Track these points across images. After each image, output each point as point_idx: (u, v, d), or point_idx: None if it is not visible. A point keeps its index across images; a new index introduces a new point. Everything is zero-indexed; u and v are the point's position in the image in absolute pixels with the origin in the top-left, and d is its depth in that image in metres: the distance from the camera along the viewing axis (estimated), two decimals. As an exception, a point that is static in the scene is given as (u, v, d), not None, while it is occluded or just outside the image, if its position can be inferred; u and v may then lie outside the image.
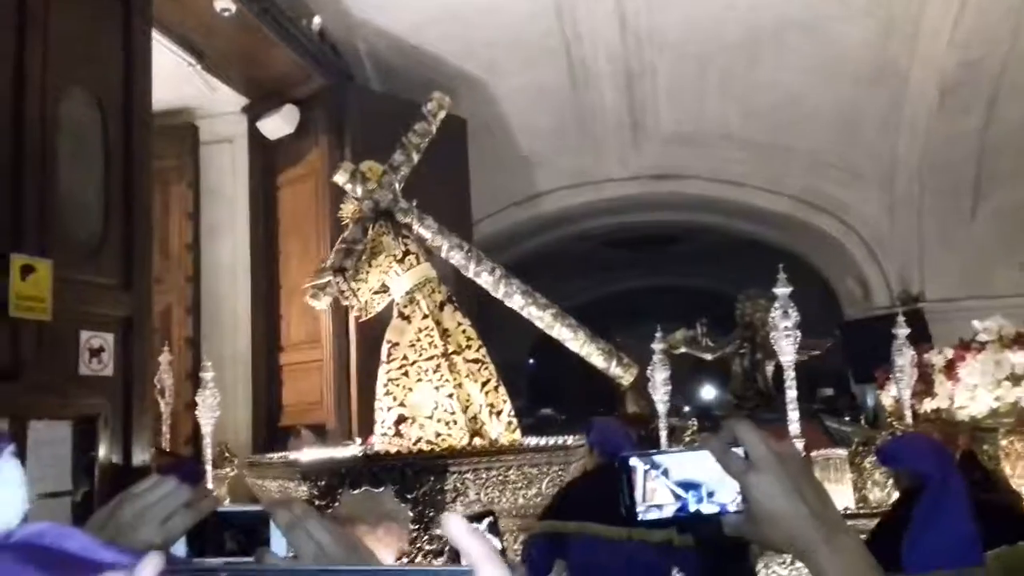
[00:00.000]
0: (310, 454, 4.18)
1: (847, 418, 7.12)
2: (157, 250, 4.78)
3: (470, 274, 4.15)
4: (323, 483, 3.53)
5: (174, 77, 5.45)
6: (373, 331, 4.77)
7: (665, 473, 0.88)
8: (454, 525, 0.58)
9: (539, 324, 4.15)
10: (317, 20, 5.95)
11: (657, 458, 0.89)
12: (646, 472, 0.88)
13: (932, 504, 1.97)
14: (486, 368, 4.12)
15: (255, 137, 6.23)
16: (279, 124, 6.06)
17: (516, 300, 4.12)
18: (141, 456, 3.62)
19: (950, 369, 3.80)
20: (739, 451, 0.90)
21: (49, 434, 3.17)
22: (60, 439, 3.22)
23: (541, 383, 13.29)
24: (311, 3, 6.03)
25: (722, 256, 11.17)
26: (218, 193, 6.33)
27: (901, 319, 3.51)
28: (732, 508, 0.89)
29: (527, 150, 7.87)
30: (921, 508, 1.99)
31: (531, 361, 13.29)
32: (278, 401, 6.19)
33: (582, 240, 10.15)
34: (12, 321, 3.10)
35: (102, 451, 3.40)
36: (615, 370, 4.12)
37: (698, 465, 0.88)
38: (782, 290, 3.32)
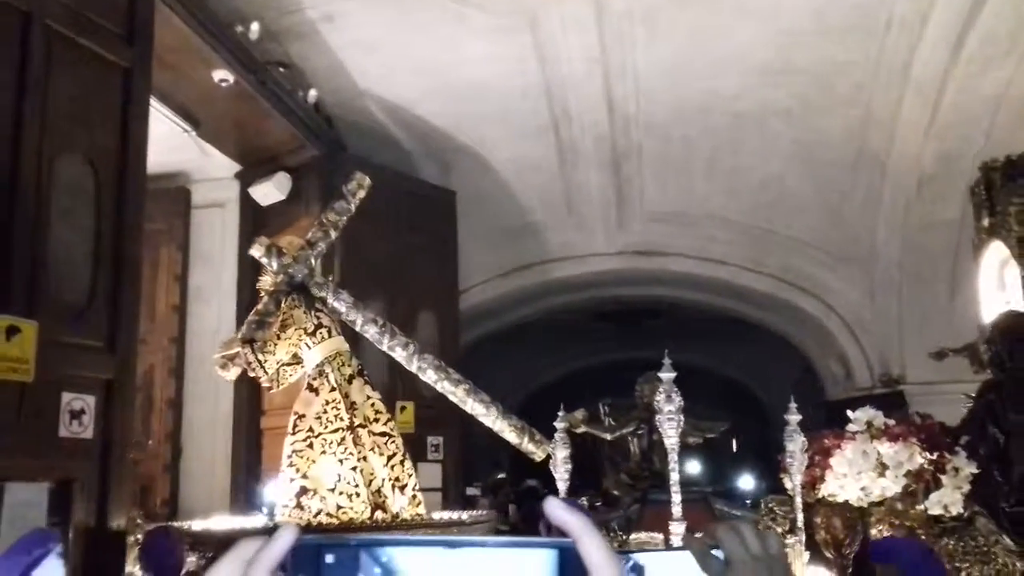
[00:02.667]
0: (215, 523, 4.17)
1: (748, 502, 7.18)
2: (143, 311, 4.81)
3: (384, 348, 4.21)
4: (211, 555, 3.45)
5: (169, 142, 5.56)
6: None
7: (640, 573, 0.84)
8: (553, 505, 0.64)
9: (452, 399, 4.21)
10: (313, 93, 6.10)
11: (638, 557, 0.85)
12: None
13: None
14: (393, 442, 4.16)
15: (247, 202, 6.32)
16: (271, 190, 6.16)
17: (430, 375, 4.18)
18: (117, 521, 3.59)
19: (824, 457, 3.85)
20: (719, 553, 0.89)
21: (25, 496, 3.15)
22: (35, 502, 3.21)
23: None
24: (308, 75, 6.19)
25: (706, 333, 11.26)
26: (207, 256, 6.39)
27: (793, 405, 3.57)
28: None
29: (515, 222, 7.99)
30: None
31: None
32: (258, 464, 6.16)
33: (567, 312, 10.24)
34: (-7, 382, 3.11)
35: (78, 515, 3.38)
36: (527, 446, 4.18)
37: (678, 566, 0.84)
38: (667, 374, 3.38)
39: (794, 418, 3.53)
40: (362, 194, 4.53)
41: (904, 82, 6.46)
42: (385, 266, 6.39)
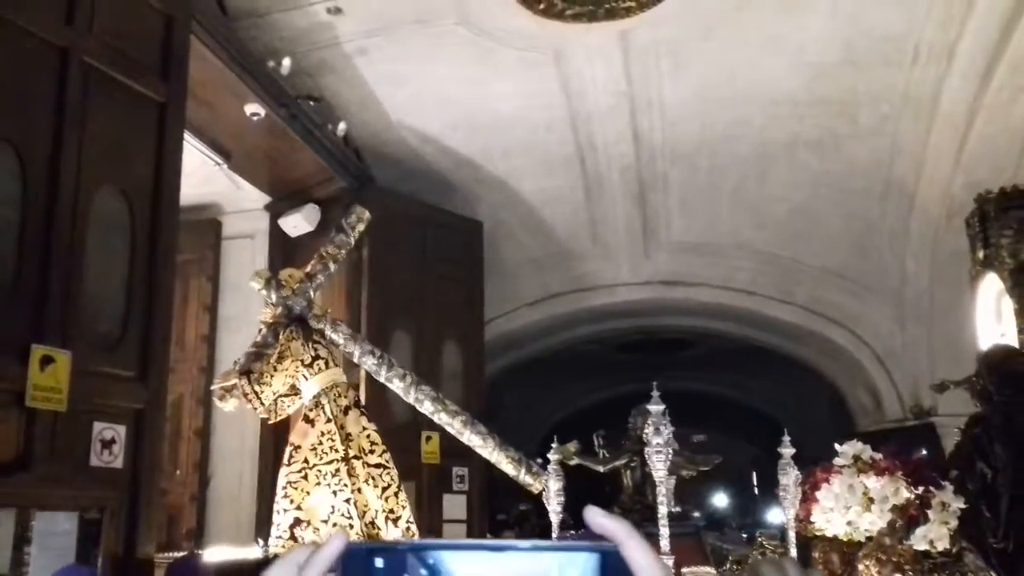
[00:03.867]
0: (213, 555, 4.20)
1: (744, 535, 7.09)
2: (173, 340, 4.87)
3: (382, 379, 4.23)
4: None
5: (200, 174, 5.65)
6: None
7: None
8: (594, 512, 0.64)
9: (450, 430, 4.21)
10: (342, 126, 6.18)
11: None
12: None
13: None
14: (388, 473, 4.16)
15: (276, 234, 6.40)
16: (300, 222, 6.23)
17: (427, 406, 4.19)
18: (145, 549, 3.62)
19: (812, 491, 3.81)
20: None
21: (55, 525, 3.18)
22: (66, 531, 3.24)
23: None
24: (338, 108, 6.29)
25: (733, 362, 11.19)
26: (236, 287, 6.46)
27: (787, 439, 3.54)
28: None
29: (541, 253, 8.02)
30: None
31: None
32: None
33: (593, 342, 10.22)
34: (27, 411, 3.16)
35: (107, 543, 3.41)
36: (524, 478, 4.18)
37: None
38: (656, 407, 3.36)
39: (787, 451, 3.51)
40: (361, 227, 4.59)
41: (932, 113, 6.44)
42: (411, 295, 6.43)
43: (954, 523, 3.71)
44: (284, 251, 6.42)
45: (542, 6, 5.62)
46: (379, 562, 0.62)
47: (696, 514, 6.66)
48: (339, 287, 5.93)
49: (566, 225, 7.84)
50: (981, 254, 4.91)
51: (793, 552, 3.41)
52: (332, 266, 4.45)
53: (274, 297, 4.21)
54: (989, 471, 3.90)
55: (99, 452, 3.50)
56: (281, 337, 4.19)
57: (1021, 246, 4.50)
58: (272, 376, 4.18)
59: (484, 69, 6.24)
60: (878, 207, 7.35)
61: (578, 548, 0.62)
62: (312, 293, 4.32)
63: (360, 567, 0.62)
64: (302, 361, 4.24)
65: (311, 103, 5.92)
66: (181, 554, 4.71)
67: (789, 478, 3.46)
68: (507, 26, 5.77)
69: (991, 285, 4.78)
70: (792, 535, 3.46)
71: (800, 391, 11.00)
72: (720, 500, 16.92)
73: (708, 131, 6.87)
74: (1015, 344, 4.42)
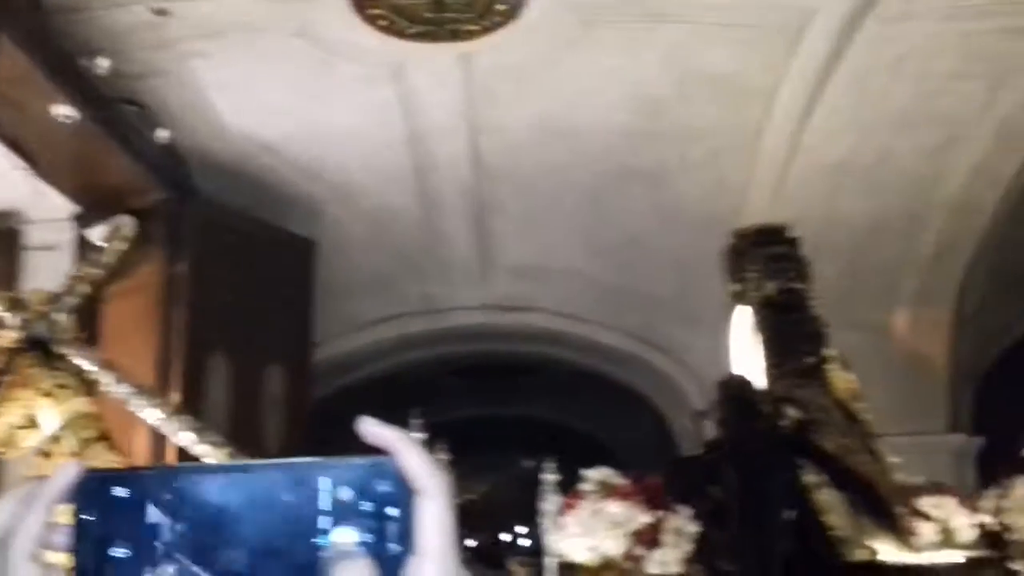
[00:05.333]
0: None
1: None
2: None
3: (131, 408, 3.97)
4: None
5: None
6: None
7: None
8: (367, 423, 0.60)
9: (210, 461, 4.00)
10: (164, 133, 5.79)
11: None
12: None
13: None
14: None
15: (85, 247, 5.90)
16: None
17: (185, 437, 3.94)
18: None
19: (561, 516, 3.96)
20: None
21: None
22: None
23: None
24: (161, 114, 5.89)
25: (568, 390, 11.33)
26: (37, 302, 5.90)
27: (551, 465, 3.63)
28: None
29: (375, 274, 7.82)
30: None
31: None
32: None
33: (427, 366, 10.08)
34: None
35: None
36: None
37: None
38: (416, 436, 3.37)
39: (551, 478, 3.56)
40: (119, 245, 4.25)
41: (755, 150, 6.76)
42: (233, 315, 6.08)
43: (687, 547, 3.88)
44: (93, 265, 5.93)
45: (384, 23, 5.49)
46: (118, 491, 0.58)
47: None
48: (150, 305, 5.54)
49: (403, 245, 7.69)
50: (735, 288, 5.14)
51: None
52: (84, 287, 4.06)
53: (16, 319, 3.82)
54: (721, 495, 4.10)
55: None
56: (20, 363, 3.80)
57: (765, 282, 4.74)
58: (5, 406, 3.78)
59: (322, 82, 6.03)
60: (705, 239, 7.62)
61: (349, 463, 0.58)
62: (61, 316, 3.94)
63: (96, 497, 0.58)
64: (42, 390, 3.86)
65: (131, 108, 5.52)
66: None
67: (550, 504, 3.49)
68: (347, 40, 5.60)
69: (745, 317, 5.01)
70: (547, 560, 3.49)
71: (629, 417, 11.27)
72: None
73: (547, 158, 6.92)
74: (761, 376, 4.62)
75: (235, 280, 6.18)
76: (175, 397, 5.37)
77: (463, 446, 6.94)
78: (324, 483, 0.57)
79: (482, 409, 12.09)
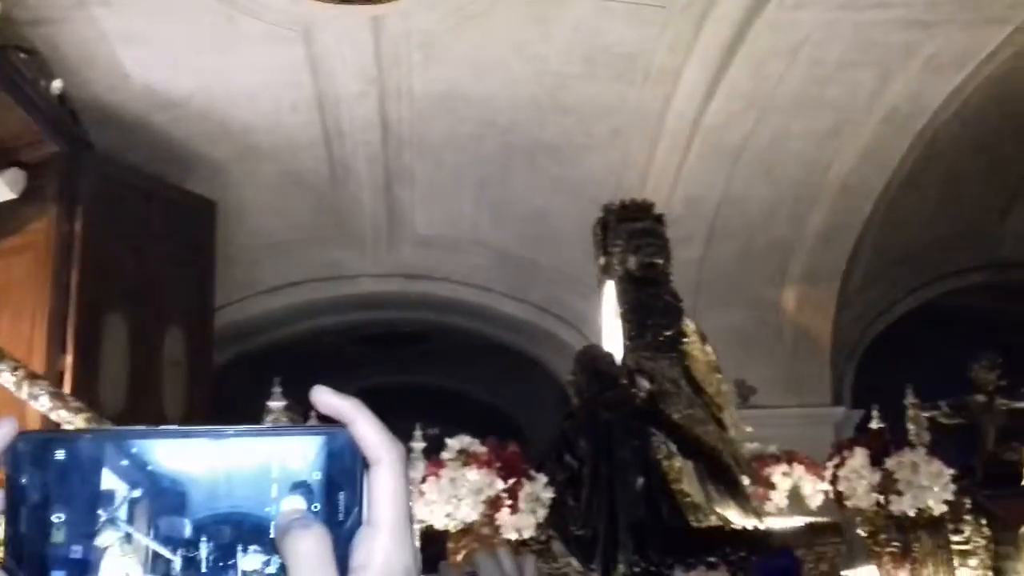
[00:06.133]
0: None
1: None
2: None
3: None
4: None
5: None
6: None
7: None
8: (321, 391, 0.59)
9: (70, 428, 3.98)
10: (58, 83, 5.58)
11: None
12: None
13: None
14: None
15: (-29, 199, 5.66)
16: (1, 187, 5.55)
17: (43, 401, 3.88)
18: None
19: (422, 483, 4.10)
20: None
21: None
22: None
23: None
24: (56, 64, 5.68)
25: (473, 359, 11.42)
26: (-82, 256, 5.65)
27: (418, 432, 3.76)
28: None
29: (281, 238, 7.72)
30: None
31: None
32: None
33: (334, 333, 10.02)
34: None
35: None
36: None
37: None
38: (276, 403, 3.47)
39: (418, 445, 3.67)
40: (8, 197, 4.06)
41: (659, 129, 6.93)
42: (131, 277, 5.93)
43: (542, 513, 4.05)
44: (-19, 218, 5.70)
45: (293, -19, 5.42)
46: (59, 454, 0.55)
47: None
48: (42, 263, 5.36)
49: (309, 211, 7.61)
50: (602, 261, 5.29)
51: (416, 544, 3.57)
52: None
53: None
54: (575, 463, 4.28)
55: None
56: None
57: (628, 256, 4.90)
58: None
59: (227, 38, 5.91)
60: (609, 214, 7.80)
61: (301, 432, 0.58)
62: None
63: (35, 460, 0.55)
64: None
65: (21, 55, 5.30)
66: None
67: (418, 472, 3.60)
68: (255, -4, 5.50)
69: (610, 292, 5.18)
70: (415, 528, 3.62)
71: (533, 387, 11.46)
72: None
73: (455, 127, 6.95)
74: (621, 347, 4.79)
75: (133, 239, 6.03)
76: (68, 359, 5.24)
77: (378, 414, 6.97)
78: (277, 452, 0.57)
79: (386, 378, 12.08)
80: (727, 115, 6.73)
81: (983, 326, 8.99)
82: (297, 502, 0.56)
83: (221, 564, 0.56)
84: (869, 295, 8.48)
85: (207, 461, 0.56)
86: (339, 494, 0.57)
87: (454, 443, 4.10)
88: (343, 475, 0.57)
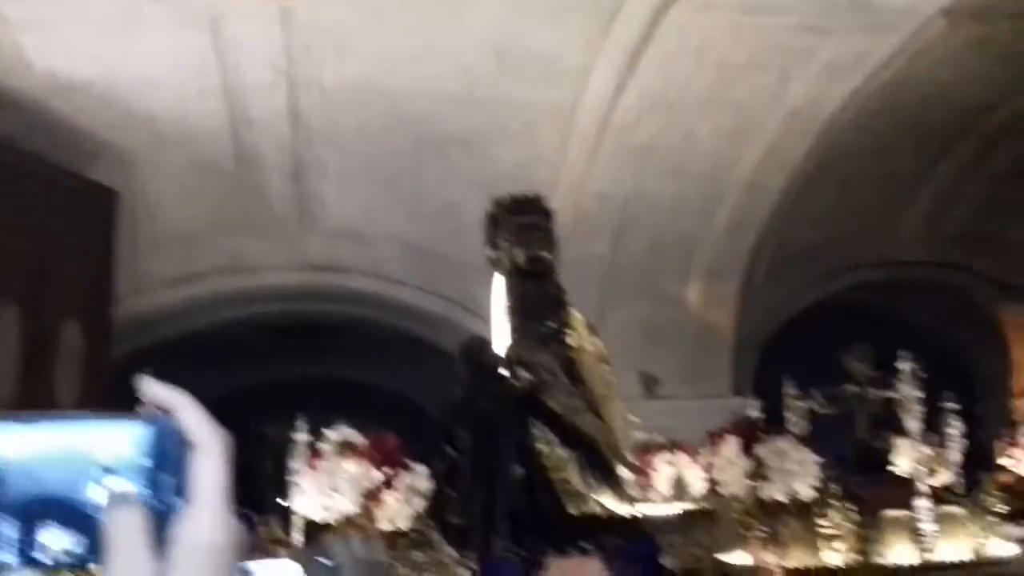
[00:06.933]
0: None
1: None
2: None
3: None
4: None
5: None
6: None
7: None
8: (147, 383, 0.61)
9: None
10: (-51, 64, 5.36)
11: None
12: None
13: None
14: None
15: None
16: None
17: None
18: None
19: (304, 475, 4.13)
20: (327, 561, 0.76)
21: None
22: None
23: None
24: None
25: (383, 351, 11.36)
26: None
27: (298, 423, 3.77)
28: None
29: (185, 229, 7.55)
30: None
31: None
32: None
33: (239, 326, 9.84)
34: None
35: None
36: None
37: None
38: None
39: (301, 437, 3.67)
40: None
41: (570, 126, 7.03)
42: (26, 265, 5.74)
43: (420, 503, 4.08)
44: None
45: (200, -32, 5.31)
46: None
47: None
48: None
49: (214, 201, 7.46)
50: (492, 255, 5.30)
51: (298, 537, 3.53)
52: None
53: None
54: (455, 453, 4.35)
55: None
56: None
57: (516, 250, 4.97)
58: None
59: (132, 24, 5.76)
60: (520, 209, 7.87)
61: (124, 419, 0.60)
62: None
63: None
64: None
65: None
66: None
67: (297, 463, 3.59)
68: (161, -18, 5.37)
69: (500, 285, 5.24)
70: (296, 519, 3.58)
71: (442, 378, 11.46)
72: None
73: (367, 120, 6.92)
74: (506, 340, 4.85)
75: (29, 228, 5.82)
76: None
77: (273, 409, 6.87)
78: (105, 437, 0.59)
79: (293, 370, 11.94)
80: (636, 113, 6.87)
81: (882, 320, 9.42)
82: (119, 483, 0.59)
83: (30, 543, 0.58)
84: (772, 289, 8.77)
85: (21, 446, 0.59)
86: (163, 476, 0.60)
87: (333, 434, 4.06)
88: (166, 459, 0.61)
